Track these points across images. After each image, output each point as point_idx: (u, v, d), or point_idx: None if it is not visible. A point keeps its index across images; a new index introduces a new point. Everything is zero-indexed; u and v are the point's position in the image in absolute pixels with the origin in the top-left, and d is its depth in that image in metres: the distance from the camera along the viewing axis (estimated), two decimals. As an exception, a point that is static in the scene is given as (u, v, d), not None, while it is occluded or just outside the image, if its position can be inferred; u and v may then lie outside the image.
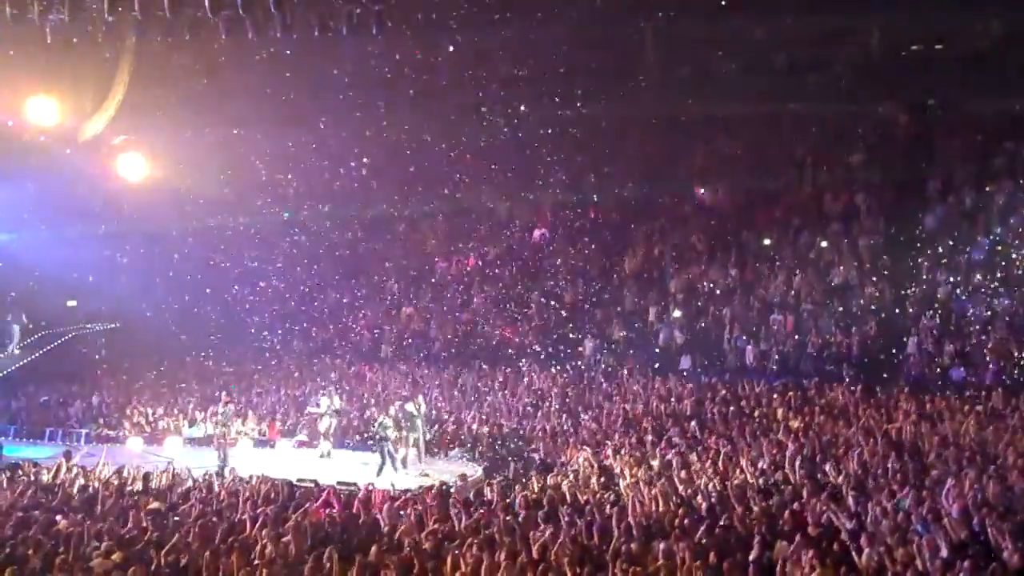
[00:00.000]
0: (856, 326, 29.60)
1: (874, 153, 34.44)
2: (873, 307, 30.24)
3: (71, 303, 38.33)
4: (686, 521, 16.05)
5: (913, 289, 30.42)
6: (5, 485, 20.67)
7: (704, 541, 14.66)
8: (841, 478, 18.57)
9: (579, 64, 36.36)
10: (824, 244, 33.15)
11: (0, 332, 36.44)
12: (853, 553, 14.11)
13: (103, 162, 37.32)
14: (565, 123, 38.89)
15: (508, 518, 16.98)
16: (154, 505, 18.67)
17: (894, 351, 28.89)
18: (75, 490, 20.45)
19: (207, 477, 23.12)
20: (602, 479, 21.05)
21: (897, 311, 29.99)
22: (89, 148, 36.61)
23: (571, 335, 34.48)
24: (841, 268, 31.82)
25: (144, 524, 16.83)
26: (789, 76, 34.68)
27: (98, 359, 36.94)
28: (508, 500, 19.16)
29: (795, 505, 16.67)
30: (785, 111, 34.97)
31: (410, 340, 36.61)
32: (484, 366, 33.86)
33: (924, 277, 30.49)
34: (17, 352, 36.17)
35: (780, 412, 25.17)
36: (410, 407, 26.85)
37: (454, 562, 14.09)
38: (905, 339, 28.87)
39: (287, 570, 14.15)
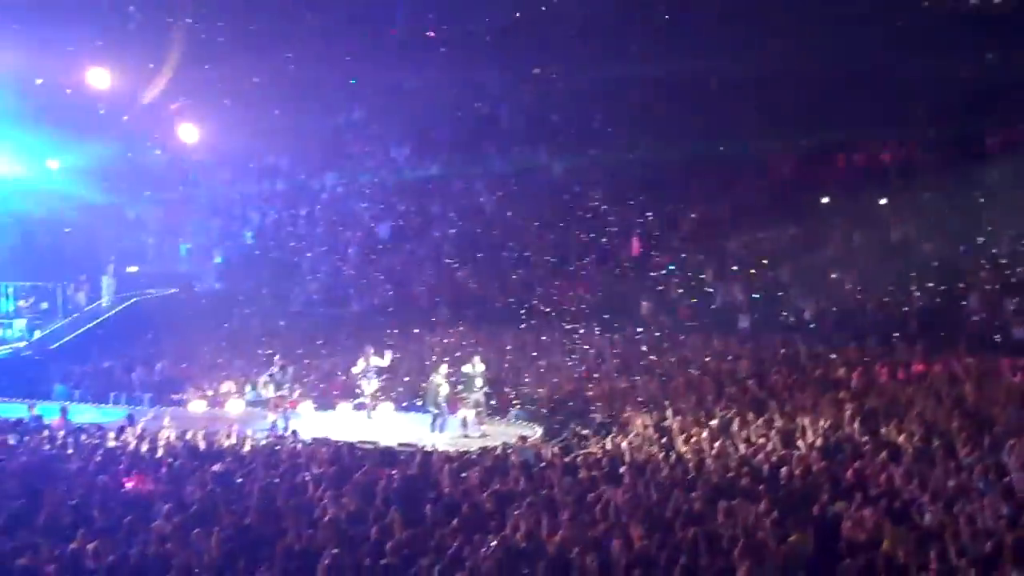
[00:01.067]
0: (916, 283, 29.29)
1: (934, 108, 33.99)
2: (933, 264, 29.89)
3: (132, 269, 38.72)
4: (747, 481, 16.03)
5: (974, 246, 30.06)
6: (71, 450, 20.93)
7: (766, 501, 14.60)
8: (902, 437, 18.46)
9: (635, 22, 36.11)
10: (883, 201, 32.84)
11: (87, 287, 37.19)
12: (915, 512, 14.03)
13: (161, 128, 37.77)
14: (622, 82, 38.67)
15: (568, 479, 17.03)
16: (217, 467, 18.86)
17: (955, 308, 28.60)
18: (139, 453, 20.70)
19: (268, 439, 23.42)
20: (662, 440, 21.03)
21: (958, 268, 29.64)
22: (147, 114, 37.01)
23: (628, 296, 34.38)
24: (900, 225, 31.52)
25: (208, 487, 16.99)
26: (847, 31, 34.23)
27: (159, 324, 37.27)
28: (568, 461, 19.22)
29: (856, 464, 16.59)
30: (843, 66, 34.51)
31: (467, 301, 36.64)
32: (542, 327, 33.87)
33: (985, 233, 30.14)
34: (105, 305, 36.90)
35: (840, 371, 25.02)
36: (467, 368, 26.83)
37: (515, 524, 14.12)
38: (966, 296, 28.58)
39: (349, 532, 14.23)
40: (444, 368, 27.14)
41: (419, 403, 28.77)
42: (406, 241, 40.07)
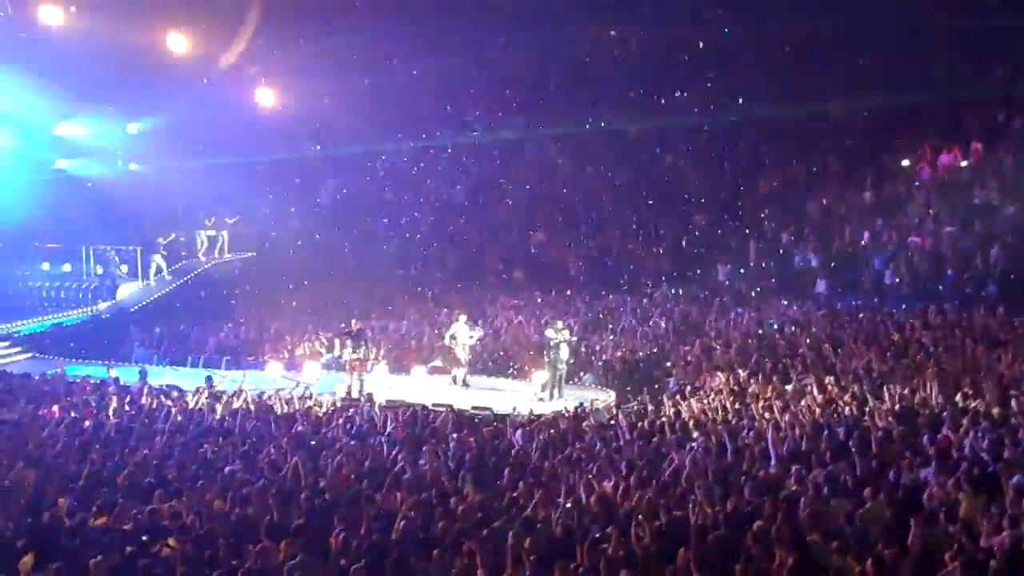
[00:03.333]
0: (998, 247, 28.80)
1: (1017, 66, 33.29)
2: (1015, 228, 29.38)
3: (210, 233, 39.09)
4: (823, 446, 15.88)
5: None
6: (149, 411, 21.22)
7: (840, 467, 14.47)
8: (981, 403, 18.21)
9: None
10: (964, 163, 32.32)
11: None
12: (998, 478, 13.80)
13: (239, 92, 38.02)
14: (696, 43, 38.36)
15: (641, 443, 17.00)
16: (294, 430, 19.03)
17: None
18: (217, 415, 20.96)
19: (344, 402, 23.58)
20: (736, 405, 20.91)
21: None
22: (225, 79, 37.28)
23: (705, 259, 34.18)
24: (982, 188, 31.02)
25: (284, 448, 17.15)
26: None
27: (237, 287, 37.68)
28: (641, 425, 19.17)
29: (936, 431, 16.37)
30: (924, 25, 33.88)
31: (542, 265, 36.59)
32: (617, 291, 33.77)
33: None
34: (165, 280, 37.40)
35: (919, 335, 24.72)
36: (549, 332, 26.57)
37: (587, 487, 14.13)
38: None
39: (424, 494, 14.29)
40: (551, 330, 26.73)
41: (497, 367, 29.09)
42: (481, 205, 40.10)
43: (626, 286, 34.09)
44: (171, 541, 12.60)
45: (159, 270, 37.56)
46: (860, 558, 11.21)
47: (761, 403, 20.33)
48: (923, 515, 12.34)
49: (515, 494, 14.08)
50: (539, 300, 33.95)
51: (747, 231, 34.32)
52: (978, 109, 33.37)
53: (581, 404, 22.38)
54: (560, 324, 26.73)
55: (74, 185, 40.06)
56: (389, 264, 39.18)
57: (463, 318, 28.43)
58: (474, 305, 33.62)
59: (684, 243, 35.27)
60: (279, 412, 21.35)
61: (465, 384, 27.61)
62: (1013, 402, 17.85)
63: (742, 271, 33.08)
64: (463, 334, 27.96)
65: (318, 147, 43.24)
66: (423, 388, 26.66)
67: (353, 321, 28.54)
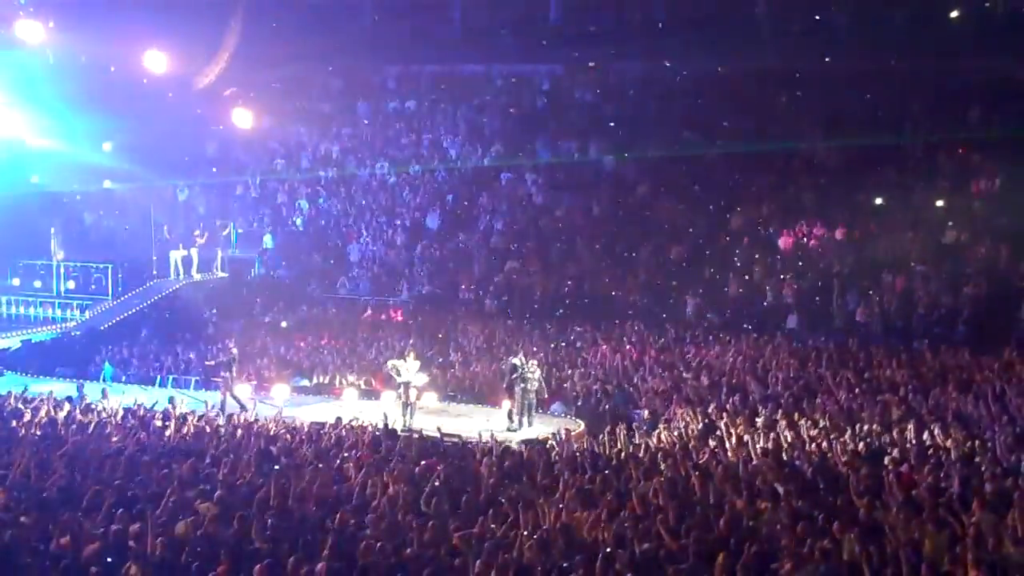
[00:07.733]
0: (968, 287, 29.00)
1: (991, 110, 33.63)
2: (986, 268, 29.61)
3: (183, 253, 38.94)
4: (790, 482, 15.88)
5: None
6: (114, 430, 21.07)
7: (809, 503, 14.49)
8: (950, 441, 18.28)
9: (690, 16, 35.96)
10: (938, 203, 32.56)
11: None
12: (963, 517, 13.83)
13: (215, 112, 38.04)
14: (675, 77, 38.51)
15: (610, 474, 16.96)
16: (265, 451, 18.92)
17: (1007, 313, 28.31)
18: (183, 434, 20.83)
19: (311, 424, 23.42)
20: (705, 437, 20.89)
21: (1011, 272, 29.35)
22: (201, 98, 37.29)
23: (677, 292, 34.17)
24: (954, 228, 31.23)
25: (250, 472, 17.04)
26: (905, 30, 33.93)
27: (208, 308, 37.50)
28: (610, 456, 19.14)
29: (903, 468, 16.42)
30: (901, 66, 34.19)
31: (514, 294, 36.49)
32: (589, 322, 33.70)
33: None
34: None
35: (888, 373, 24.82)
36: (515, 361, 26.37)
37: (555, 517, 14.09)
38: (1018, 299, 28.28)
39: (392, 520, 14.23)
40: (518, 360, 26.37)
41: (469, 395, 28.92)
42: (455, 232, 40.04)
43: (598, 316, 34.00)
44: (133, 567, 12.45)
45: (177, 267, 37.72)
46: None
47: (730, 437, 20.32)
48: (888, 552, 12.37)
49: (481, 523, 14.00)
50: (511, 329, 33.85)
51: (722, 265, 34.34)
52: (951, 149, 33.67)
53: (550, 436, 22.29)
54: (521, 352, 26.59)
55: (48, 201, 39.96)
56: (361, 289, 39.02)
57: (412, 355, 26.97)
58: (447, 332, 33.57)
59: (658, 275, 35.25)
60: (245, 434, 21.19)
61: (408, 427, 25.04)
62: (979, 442, 17.96)
63: (714, 304, 33.09)
64: (410, 373, 26.34)
65: (292, 169, 43.24)
66: (392, 414, 26.40)
67: (230, 344, 28.63)
